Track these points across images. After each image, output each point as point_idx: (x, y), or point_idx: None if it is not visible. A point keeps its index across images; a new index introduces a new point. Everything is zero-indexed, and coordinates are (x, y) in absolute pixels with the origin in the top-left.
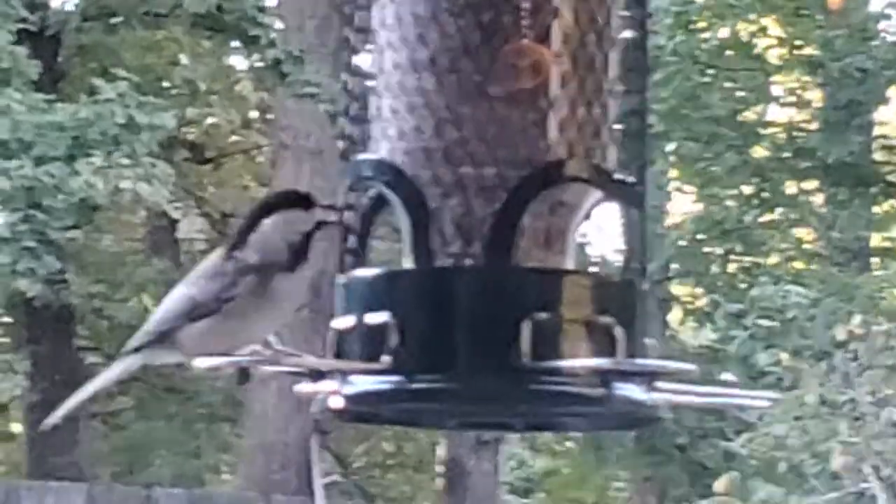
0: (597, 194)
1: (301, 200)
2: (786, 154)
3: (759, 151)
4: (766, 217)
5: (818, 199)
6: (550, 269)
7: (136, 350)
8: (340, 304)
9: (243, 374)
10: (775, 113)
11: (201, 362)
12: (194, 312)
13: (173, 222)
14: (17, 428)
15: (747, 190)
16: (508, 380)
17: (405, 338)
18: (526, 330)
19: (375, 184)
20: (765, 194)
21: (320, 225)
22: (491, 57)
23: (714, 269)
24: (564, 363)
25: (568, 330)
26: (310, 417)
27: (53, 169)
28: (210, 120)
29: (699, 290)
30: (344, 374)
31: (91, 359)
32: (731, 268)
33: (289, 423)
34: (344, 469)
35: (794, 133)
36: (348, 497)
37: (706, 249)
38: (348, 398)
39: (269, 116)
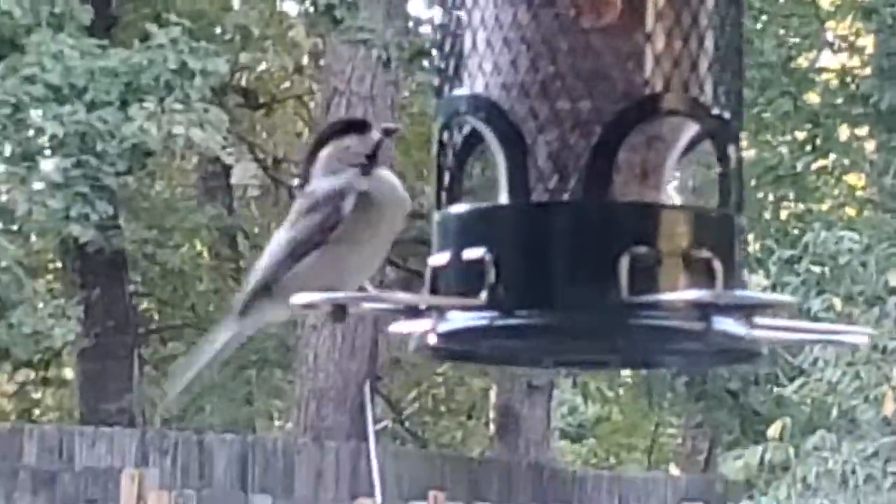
0: (693, 128)
1: (353, 127)
2: (839, 100)
3: (812, 98)
4: (819, 163)
5: (870, 145)
6: (647, 203)
7: (245, 309)
8: (436, 240)
9: (340, 312)
10: (828, 59)
11: (297, 300)
12: (298, 251)
13: (226, 168)
14: (69, 374)
15: (800, 136)
16: (607, 314)
17: (502, 273)
18: (624, 264)
19: (470, 119)
20: (817, 141)
21: (380, 143)
22: None
23: (767, 215)
24: (663, 297)
25: (666, 264)
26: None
27: (106, 114)
28: (263, 66)
29: (752, 237)
30: (440, 312)
31: (143, 304)
32: (784, 214)
33: (341, 370)
34: (396, 415)
35: (847, 79)
36: (400, 442)
37: (759, 195)
38: (444, 335)
39: (321, 62)
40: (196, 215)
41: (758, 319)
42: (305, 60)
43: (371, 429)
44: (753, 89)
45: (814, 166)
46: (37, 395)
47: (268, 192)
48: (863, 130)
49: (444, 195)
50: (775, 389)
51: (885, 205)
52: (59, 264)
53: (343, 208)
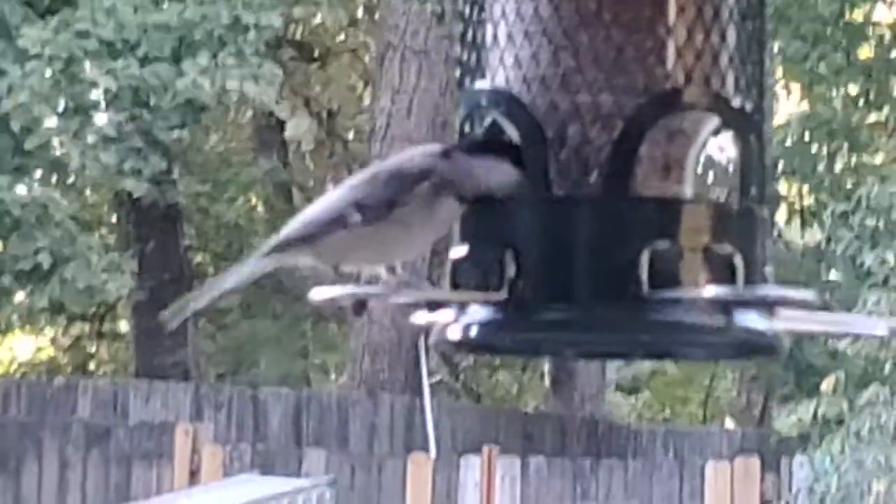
0: (715, 122)
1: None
2: (892, 54)
3: (866, 51)
4: (873, 117)
5: None
6: (669, 198)
7: (275, 250)
8: (457, 233)
9: (360, 306)
10: (881, 13)
11: (317, 294)
12: (354, 217)
13: (281, 122)
14: (124, 327)
15: (853, 89)
16: (628, 310)
17: (523, 268)
18: (645, 259)
19: (491, 112)
20: (871, 95)
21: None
22: None
23: (820, 168)
24: (684, 292)
25: (687, 259)
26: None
27: (159, 69)
28: (317, 19)
29: (805, 190)
30: (461, 305)
31: (198, 258)
32: (837, 167)
33: (396, 324)
34: (450, 369)
35: None
36: (455, 397)
37: (813, 149)
38: (466, 328)
39: (375, 16)
40: (250, 169)
41: (780, 312)
42: (360, 14)
43: (426, 383)
44: (807, 43)
45: (867, 120)
46: (91, 349)
47: (322, 146)
48: None
49: None
50: (829, 343)
51: None
52: (114, 218)
53: (417, 191)
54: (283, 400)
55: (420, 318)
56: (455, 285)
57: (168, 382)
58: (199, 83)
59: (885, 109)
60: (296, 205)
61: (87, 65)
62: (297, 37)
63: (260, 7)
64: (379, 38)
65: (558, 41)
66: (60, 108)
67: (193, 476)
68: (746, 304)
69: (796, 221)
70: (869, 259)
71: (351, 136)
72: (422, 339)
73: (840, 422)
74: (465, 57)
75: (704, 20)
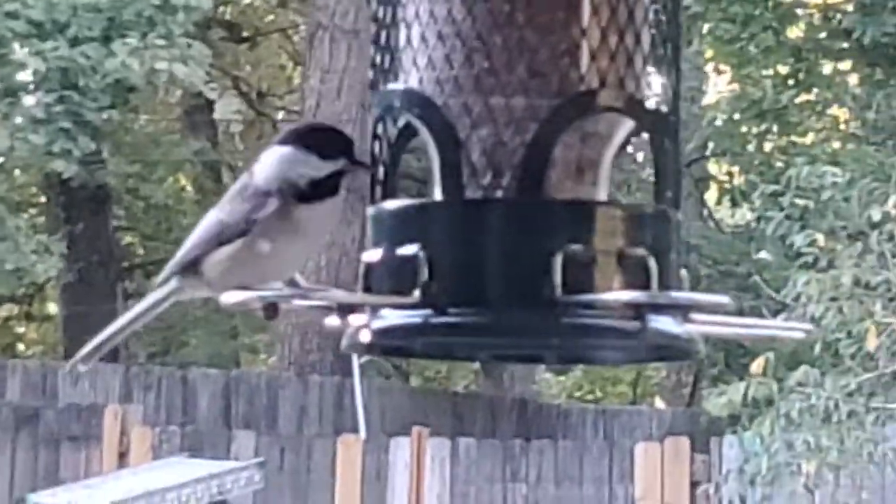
0: (629, 124)
1: (323, 145)
2: (821, 35)
3: (795, 32)
4: (802, 97)
5: (853, 79)
6: (582, 201)
7: (167, 281)
8: (370, 236)
9: (271, 310)
10: None
11: (229, 298)
12: (223, 236)
13: (210, 102)
14: (53, 309)
15: (783, 70)
16: (541, 313)
17: (435, 271)
18: (558, 262)
19: (404, 114)
20: (800, 75)
21: (333, 177)
22: None
23: (750, 148)
24: (598, 296)
25: (601, 262)
26: None
27: (89, 50)
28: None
29: (735, 170)
30: (374, 308)
31: (127, 238)
32: (767, 147)
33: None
34: None
35: (830, 14)
36: (385, 377)
37: (742, 129)
38: (378, 332)
39: None
40: (180, 149)
41: (694, 315)
42: None
43: (355, 364)
44: (736, 24)
45: (797, 100)
46: (20, 330)
47: (252, 126)
48: (846, 65)
49: (378, 189)
50: None
51: (868, 139)
52: (43, 200)
53: (265, 208)
54: (213, 381)
55: (332, 321)
56: (368, 288)
57: (97, 364)
58: (129, 64)
59: (815, 90)
60: (225, 185)
61: (17, 46)
62: (227, 17)
63: None
64: (309, 18)
65: (471, 43)
66: None
67: (122, 458)
68: (661, 307)
69: (726, 202)
70: (799, 239)
71: (280, 116)
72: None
73: (770, 403)
74: (378, 59)
75: (619, 22)
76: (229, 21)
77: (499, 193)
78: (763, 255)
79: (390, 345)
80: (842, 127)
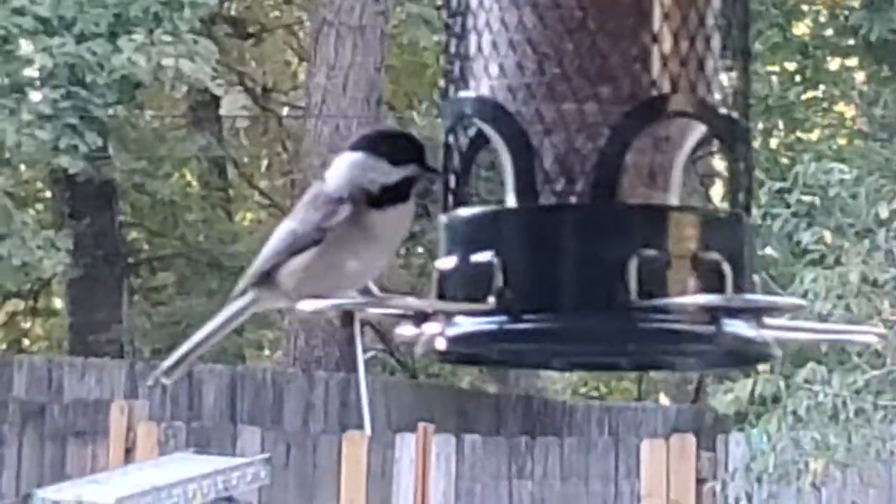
0: (701, 129)
1: (395, 151)
2: (828, 31)
3: (802, 28)
4: (809, 94)
5: (860, 76)
6: (656, 206)
7: (243, 292)
8: (443, 244)
9: (348, 317)
10: None
11: (306, 306)
12: (296, 245)
13: (216, 98)
14: (58, 304)
15: (790, 66)
16: (616, 319)
17: (510, 277)
18: (632, 267)
19: (476, 122)
20: (807, 72)
21: (405, 183)
22: None
23: (756, 145)
24: (673, 300)
25: (675, 266)
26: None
27: (95, 46)
28: None
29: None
30: (448, 316)
31: (132, 234)
32: (774, 144)
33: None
34: (385, 345)
35: (837, 11)
36: (390, 373)
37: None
38: (452, 339)
39: None
40: (185, 145)
41: (768, 320)
42: None
43: (360, 360)
44: None
45: (804, 97)
46: (26, 325)
47: (257, 122)
48: (852, 62)
49: (450, 198)
50: None
51: (875, 135)
52: (48, 195)
53: (338, 214)
54: (218, 377)
55: (406, 329)
56: (441, 296)
57: (103, 359)
58: (135, 60)
59: (822, 87)
60: (230, 181)
61: (24, 42)
62: (232, 13)
63: None
64: (314, 15)
65: (543, 50)
66: None
67: (128, 454)
68: (735, 311)
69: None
70: (806, 237)
71: (285, 112)
72: (357, 315)
73: (776, 400)
74: (449, 67)
75: (690, 27)
76: (234, 17)
77: (572, 199)
78: (769, 251)
79: (464, 352)
80: (848, 124)
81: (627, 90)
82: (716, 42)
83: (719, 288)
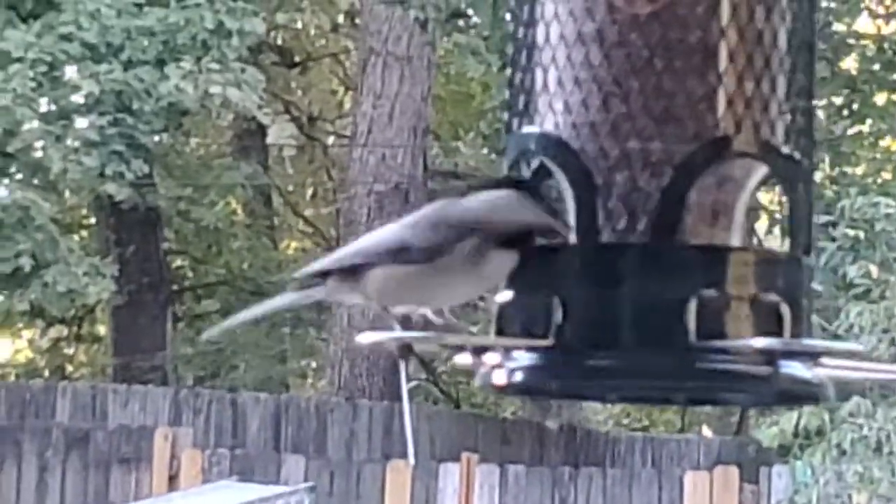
0: (764, 170)
1: (542, 195)
2: (875, 66)
3: (849, 63)
4: (856, 128)
5: None
6: (717, 246)
7: (319, 275)
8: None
9: (406, 350)
10: (865, 24)
11: (364, 338)
12: (401, 255)
13: (262, 126)
14: (102, 331)
15: (837, 101)
16: (674, 358)
17: (569, 314)
18: (692, 308)
19: (540, 157)
20: (854, 106)
21: (543, 228)
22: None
23: None
24: (733, 343)
25: (734, 307)
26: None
27: (143, 73)
28: (299, 24)
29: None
30: (507, 349)
31: (177, 262)
32: (820, 177)
33: (374, 329)
34: (430, 374)
35: (884, 45)
36: (433, 403)
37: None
38: (511, 373)
39: (357, 21)
40: (231, 173)
41: (824, 360)
42: (341, 19)
43: (404, 389)
44: None
45: (850, 131)
46: (69, 352)
47: (302, 151)
48: None
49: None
50: None
51: None
52: (94, 222)
53: (460, 245)
54: (262, 405)
55: (464, 358)
56: (500, 329)
57: (147, 386)
58: (183, 88)
59: (868, 121)
60: (275, 209)
61: (71, 68)
62: (279, 41)
63: (243, 13)
64: (361, 44)
65: (608, 88)
66: (43, 111)
67: (172, 481)
68: (792, 353)
69: (777, 231)
70: (852, 271)
71: (331, 141)
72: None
73: (821, 433)
74: (513, 101)
75: (755, 69)
76: (281, 46)
77: (634, 238)
78: (814, 285)
79: (523, 387)
80: (895, 158)
81: (692, 130)
82: (781, 83)
83: (777, 329)
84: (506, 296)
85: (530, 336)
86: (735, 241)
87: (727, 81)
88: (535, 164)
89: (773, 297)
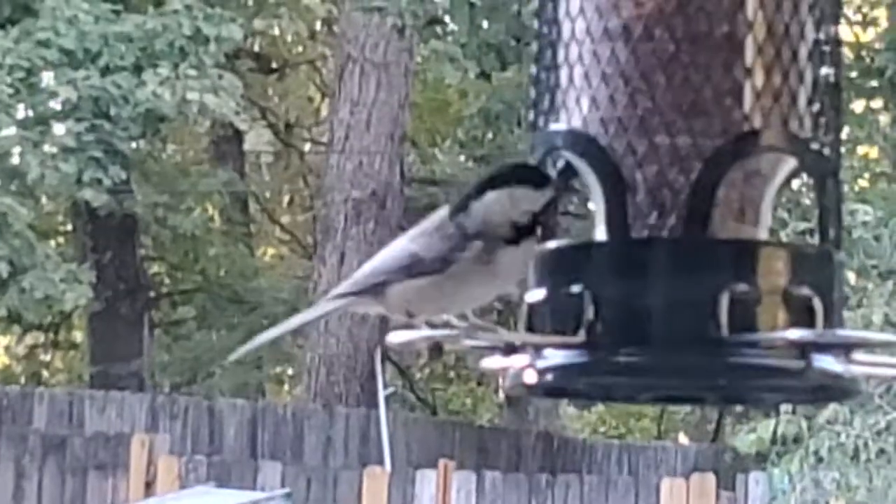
0: (793, 164)
1: (533, 177)
2: (853, 73)
3: None
4: None
5: (885, 118)
6: (747, 241)
7: (342, 296)
8: (532, 276)
9: (437, 349)
10: (843, 33)
11: (395, 337)
12: (414, 269)
13: (238, 132)
14: (79, 337)
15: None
16: (707, 353)
17: (600, 311)
18: (724, 302)
19: (568, 155)
20: None
21: (549, 205)
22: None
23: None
24: (766, 335)
25: (765, 301)
26: (372, 330)
27: (120, 79)
28: (276, 31)
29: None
30: (537, 349)
31: (154, 268)
32: (796, 185)
33: (351, 336)
34: (406, 381)
35: (862, 52)
36: (410, 409)
37: None
38: (541, 372)
39: (334, 28)
40: (208, 179)
41: (856, 356)
42: (319, 26)
43: (381, 395)
44: None
45: None
46: (46, 358)
47: (279, 157)
48: (877, 103)
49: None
50: None
51: None
52: (71, 228)
53: (468, 248)
54: (239, 411)
55: (494, 361)
56: (530, 328)
57: (124, 393)
58: (160, 94)
59: (846, 128)
60: (252, 216)
61: (48, 74)
62: (256, 48)
63: (221, 20)
64: (338, 51)
65: (635, 83)
66: (20, 118)
67: (149, 487)
68: (825, 346)
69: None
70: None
71: (308, 147)
72: (377, 350)
73: (797, 440)
74: (539, 98)
75: (783, 62)
76: (258, 52)
77: (664, 233)
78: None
79: (554, 386)
80: (872, 165)
81: (720, 124)
82: (808, 77)
83: (809, 323)
84: (536, 294)
85: (561, 334)
86: (763, 234)
87: (755, 75)
88: (561, 161)
89: (804, 290)
